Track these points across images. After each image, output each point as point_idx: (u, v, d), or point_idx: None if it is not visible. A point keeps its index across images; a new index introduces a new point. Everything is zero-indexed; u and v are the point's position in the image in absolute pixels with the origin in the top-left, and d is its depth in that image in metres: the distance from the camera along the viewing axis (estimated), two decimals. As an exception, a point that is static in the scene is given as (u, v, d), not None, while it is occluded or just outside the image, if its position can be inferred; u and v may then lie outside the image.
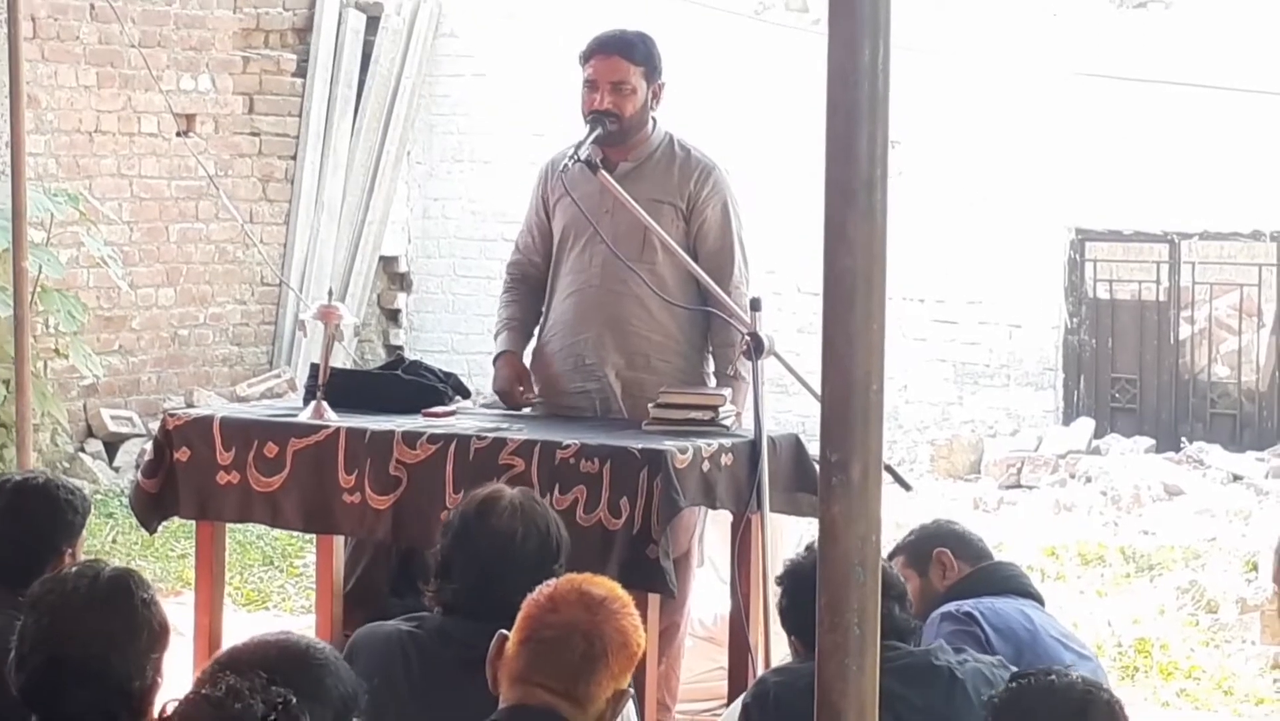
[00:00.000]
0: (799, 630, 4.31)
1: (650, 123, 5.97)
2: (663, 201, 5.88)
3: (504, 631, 3.62)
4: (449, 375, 6.02)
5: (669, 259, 5.83)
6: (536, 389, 6.05)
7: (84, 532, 4.78)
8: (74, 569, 3.74)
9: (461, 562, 4.27)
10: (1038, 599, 4.98)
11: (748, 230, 6.10)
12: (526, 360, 6.12)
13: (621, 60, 5.88)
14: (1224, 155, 10.80)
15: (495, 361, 6.06)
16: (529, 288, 6.13)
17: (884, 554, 5.13)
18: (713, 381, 5.91)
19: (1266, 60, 10.65)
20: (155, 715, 3.42)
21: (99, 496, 10.34)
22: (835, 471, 2.39)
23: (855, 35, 2.31)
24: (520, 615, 3.62)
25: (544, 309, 6.13)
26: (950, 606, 4.75)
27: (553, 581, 3.69)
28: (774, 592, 4.65)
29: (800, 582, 4.23)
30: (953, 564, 4.95)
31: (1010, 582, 4.95)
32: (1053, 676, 3.60)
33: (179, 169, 11.64)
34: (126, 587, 3.55)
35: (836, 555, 2.37)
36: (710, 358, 5.97)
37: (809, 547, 4.31)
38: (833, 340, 2.38)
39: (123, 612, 3.50)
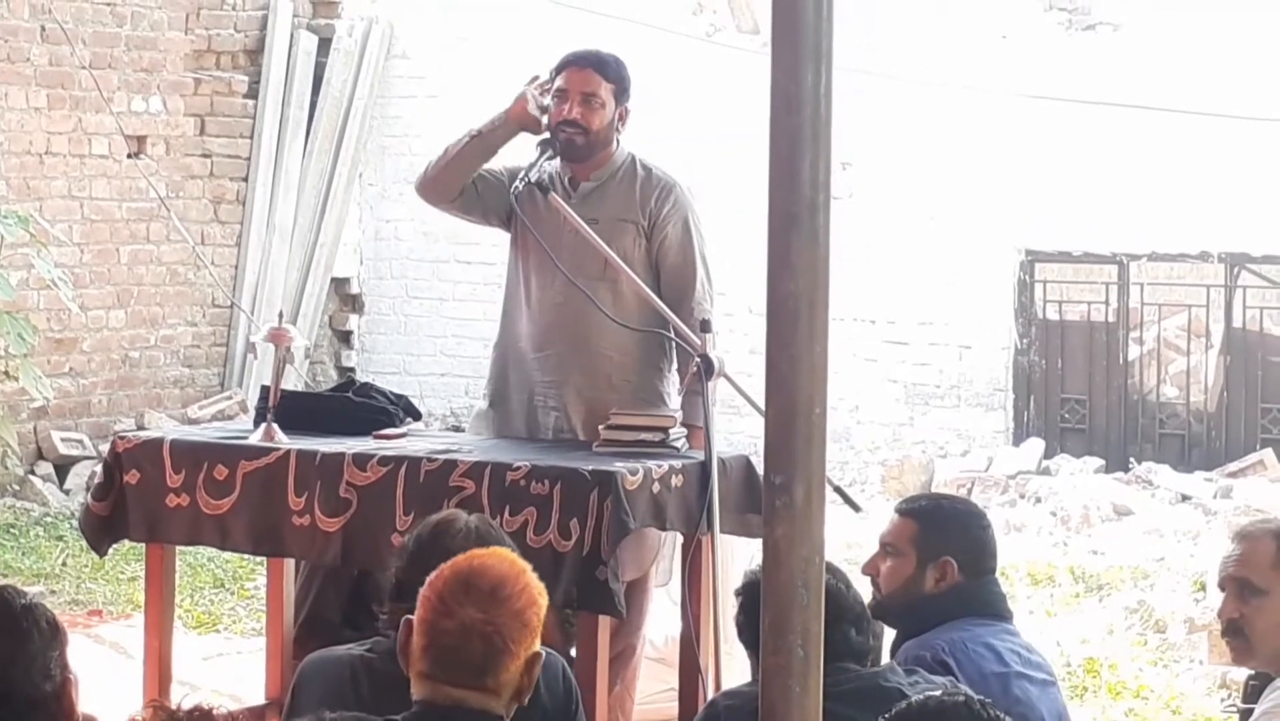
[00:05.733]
0: (753, 646, 4.30)
1: (615, 144, 6.04)
2: (625, 220, 5.95)
3: (409, 617, 3.64)
4: (400, 397, 6.02)
5: (630, 277, 5.86)
6: (486, 400, 6.12)
7: None
8: None
9: (416, 584, 4.26)
10: (1009, 617, 4.90)
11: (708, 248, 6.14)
12: (487, 355, 6.20)
13: (594, 74, 5.97)
14: (1172, 177, 10.87)
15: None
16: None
17: (902, 502, 5.07)
18: (675, 400, 5.93)
19: (1214, 83, 10.73)
20: (77, 709, 3.47)
21: (49, 519, 10.29)
22: (779, 494, 2.40)
23: (798, 61, 2.32)
24: (417, 614, 3.64)
25: (501, 320, 6.16)
26: (925, 651, 4.61)
27: (442, 571, 3.68)
28: (732, 605, 4.64)
29: (755, 597, 4.20)
30: (954, 577, 4.73)
31: (989, 606, 4.82)
32: (909, 703, 3.56)
33: (130, 190, 11.61)
34: (6, 603, 3.56)
35: (780, 577, 2.38)
36: (672, 375, 5.99)
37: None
38: (776, 363, 2.39)
39: (11, 630, 3.51)
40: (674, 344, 5.91)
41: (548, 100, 5.97)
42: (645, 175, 6.03)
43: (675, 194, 6.02)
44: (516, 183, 5.89)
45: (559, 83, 5.97)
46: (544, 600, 3.67)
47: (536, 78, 6.03)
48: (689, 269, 6.00)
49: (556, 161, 5.93)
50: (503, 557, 3.72)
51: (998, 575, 4.97)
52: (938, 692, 3.55)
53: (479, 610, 3.56)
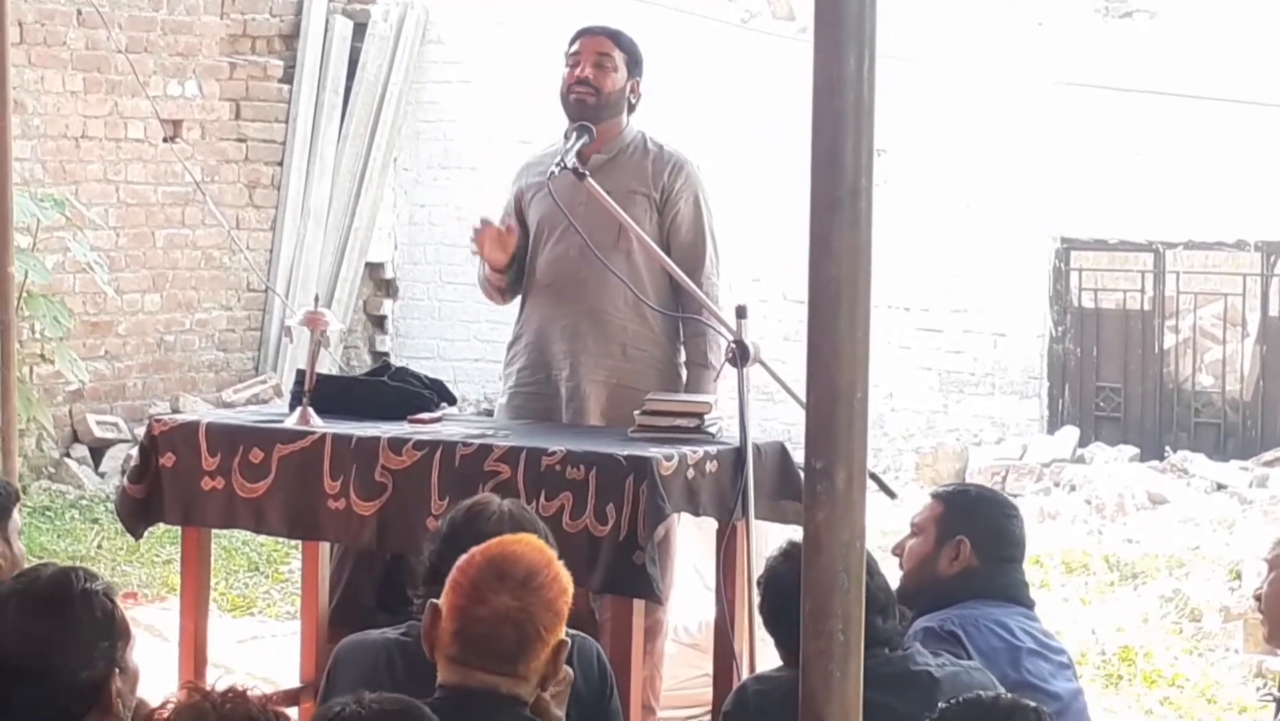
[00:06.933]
0: (777, 635, 4.31)
1: (625, 117, 6.14)
2: (636, 192, 6.04)
3: (435, 602, 3.64)
4: (435, 381, 6.03)
5: (643, 249, 5.96)
6: (505, 396, 6.22)
7: (15, 517, 4.75)
8: (15, 574, 3.77)
9: (449, 569, 4.27)
10: (1029, 605, 4.93)
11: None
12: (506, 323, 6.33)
13: (607, 39, 6.14)
14: (1209, 165, 10.83)
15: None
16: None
17: (933, 491, 5.15)
18: (685, 372, 6.02)
19: (1251, 70, 10.68)
20: (117, 703, 3.47)
21: (84, 502, 10.33)
22: (820, 479, 2.39)
23: (840, 45, 2.31)
24: (447, 599, 3.63)
25: (520, 301, 6.25)
26: (934, 622, 4.68)
27: (474, 556, 3.68)
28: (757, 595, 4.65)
29: (778, 587, 4.21)
30: (968, 558, 4.82)
31: (1005, 591, 4.86)
32: (979, 695, 3.56)
33: (165, 175, 11.64)
34: (66, 584, 3.56)
35: (821, 562, 2.38)
36: (682, 348, 6.05)
37: (785, 553, 4.28)
38: (818, 348, 2.38)
39: (59, 610, 3.51)
40: (682, 320, 6.00)
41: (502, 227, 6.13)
42: (657, 150, 6.13)
43: (687, 170, 6.12)
44: (553, 167, 5.94)
45: (573, 49, 6.13)
46: (571, 589, 3.68)
47: (487, 222, 6.17)
48: (700, 246, 6.09)
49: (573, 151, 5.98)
50: (532, 545, 3.72)
51: (1025, 564, 4.99)
52: (1007, 693, 3.53)
53: (513, 598, 3.57)
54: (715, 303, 5.91)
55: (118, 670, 3.53)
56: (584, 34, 6.16)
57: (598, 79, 6.04)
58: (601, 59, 6.06)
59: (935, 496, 5.02)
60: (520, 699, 3.59)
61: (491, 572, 3.61)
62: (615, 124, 6.10)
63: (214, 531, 5.94)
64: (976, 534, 4.84)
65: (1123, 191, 11.08)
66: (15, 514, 4.81)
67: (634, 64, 6.13)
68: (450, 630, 3.60)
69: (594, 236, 5.95)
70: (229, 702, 3.07)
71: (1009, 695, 3.47)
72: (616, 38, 6.14)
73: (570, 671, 3.91)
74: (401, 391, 5.84)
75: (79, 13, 11.11)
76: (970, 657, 4.55)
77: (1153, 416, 11.31)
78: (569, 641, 3.70)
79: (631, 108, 6.13)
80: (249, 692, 3.11)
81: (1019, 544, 4.95)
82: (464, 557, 3.69)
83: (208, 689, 3.11)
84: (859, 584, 2.40)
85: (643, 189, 6.05)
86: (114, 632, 3.55)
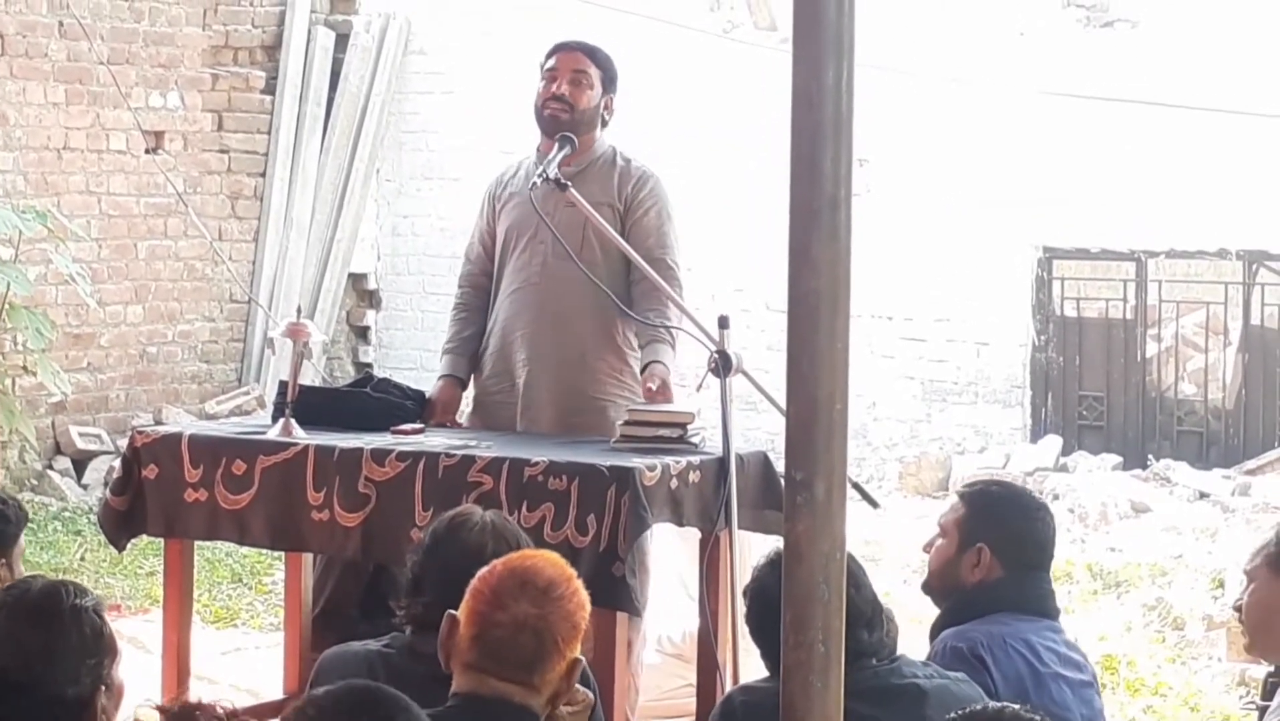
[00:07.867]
0: (764, 645, 4.30)
1: (598, 132, 6.17)
2: (602, 203, 6.06)
3: (453, 612, 3.65)
4: (418, 392, 6.05)
5: (606, 260, 6.00)
6: (477, 389, 6.25)
7: (21, 542, 4.77)
8: (6, 587, 3.78)
9: (432, 578, 4.27)
10: (1054, 615, 4.85)
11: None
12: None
13: (584, 55, 6.16)
14: (1191, 174, 10.85)
15: (437, 381, 6.20)
16: (480, 302, 6.31)
17: (963, 486, 5.08)
18: (638, 386, 6.00)
19: (1232, 79, 10.71)
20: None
21: (67, 514, 10.31)
22: (800, 489, 2.40)
23: (819, 57, 2.32)
24: (466, 605, 3.64)
25: (488, 327, 6.26)
26: (963, 643, 4.59)
27: (495, 566, 3.70)
28: (742, 605, 4.64)
29: (764, 597, 4.20)
30: (989, 566, 4.69)
31: (1031, 604, 4.73)
32: (985, 706, 3.55)
33: (148, 186, 11.62)
34: (56, 597, 3.56)
35: (801, 573, 2.38)
36: (637, 353, 6.06)
37: (771, 562, 4.27)
38: (797, 360, 2.39)
39: (49, 623, 3.51)
40: (633, 296, 6.02)
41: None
42: (625, 164, 6.16)
43: (653, 184, 6.16)
44: (535, 177, 5.95)
45: (549, 64, 6.13)
46: (589, 606, 3.69)
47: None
48: (663, 251, 6.09)
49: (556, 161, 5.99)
50: (553, 561, 3.75)
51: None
52: (1009, 706, 3.51)
53: (533, 606, 3.59)
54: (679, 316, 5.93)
55: (104, 687, 3.52)
56: (560, 49, 6.18)
57: (574, 96, 6.06)
58: (578, 76, 6.08)
59: (960, 496, 4.88)
60: (532, 710, 3.59)
61: (513, 581, 3.63)
62: (588, 139, 6.12)
63: (197, 543, 5.94)
64: (997, 540, 4.70)
65: (1105, 200, 11.10)
66: (21, 538, 4.81)
67: (609, 80, 6.15)
68: (469, 636, 3.61)
69: (560, 247, 5.97)
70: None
71: (1013, 706, 3.45)
72: (593, 54, 6.16)
73: (591, 695, 3.91)
74: (384, 402, 5.84)
75: (60, 24, 11.10)
76: (994, 682, 4.48)
77: (1135, 425, 11.33)
78: (582, 660, 3.71)
79: (605, 123, 6.16)
80: (205, 705, 3.10)
81: (1044, 546, 4.79)
82: (485, 568, 3.72)
83: (166, 704, 3.11)
84: (839, 595, 2.40)
85: (607, 200, 6.07)
86: (102, 649, 3.54)
